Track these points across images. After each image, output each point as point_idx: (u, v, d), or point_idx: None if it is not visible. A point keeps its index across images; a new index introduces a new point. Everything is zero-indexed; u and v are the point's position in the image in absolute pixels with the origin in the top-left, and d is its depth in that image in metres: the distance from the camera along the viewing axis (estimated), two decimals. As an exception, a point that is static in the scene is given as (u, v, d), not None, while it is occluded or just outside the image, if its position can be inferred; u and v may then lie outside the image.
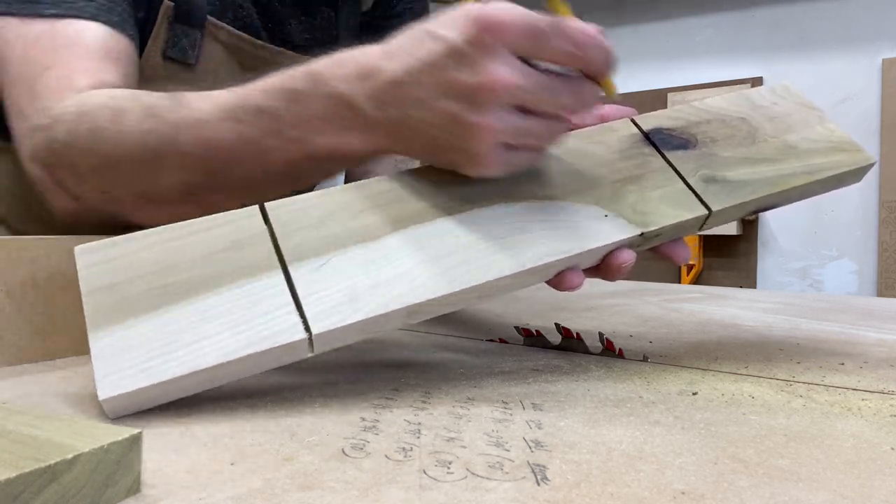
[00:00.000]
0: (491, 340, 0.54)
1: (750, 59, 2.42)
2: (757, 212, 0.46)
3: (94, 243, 0.36)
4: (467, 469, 0.26)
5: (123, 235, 0.37)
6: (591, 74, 0.39)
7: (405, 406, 0.35)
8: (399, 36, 0.40)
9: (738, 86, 2.38)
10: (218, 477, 0.26)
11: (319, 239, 0.37)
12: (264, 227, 0.38)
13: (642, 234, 0.40)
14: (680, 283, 2.41)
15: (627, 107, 0.48)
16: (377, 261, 0.37)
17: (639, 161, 0.44)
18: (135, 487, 0.24)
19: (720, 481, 0.26)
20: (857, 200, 2.24)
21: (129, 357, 0.33)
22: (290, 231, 0.37)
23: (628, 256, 0.41)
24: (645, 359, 0.47)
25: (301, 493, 0.24)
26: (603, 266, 0.41)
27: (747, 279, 2.43)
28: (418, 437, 0.30)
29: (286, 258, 0.36)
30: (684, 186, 0.43)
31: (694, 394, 0.38)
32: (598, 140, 0.45)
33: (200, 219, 0.38)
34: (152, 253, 0.36)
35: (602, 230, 0.40)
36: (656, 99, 2.53)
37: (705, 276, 2.47)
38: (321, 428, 0.32)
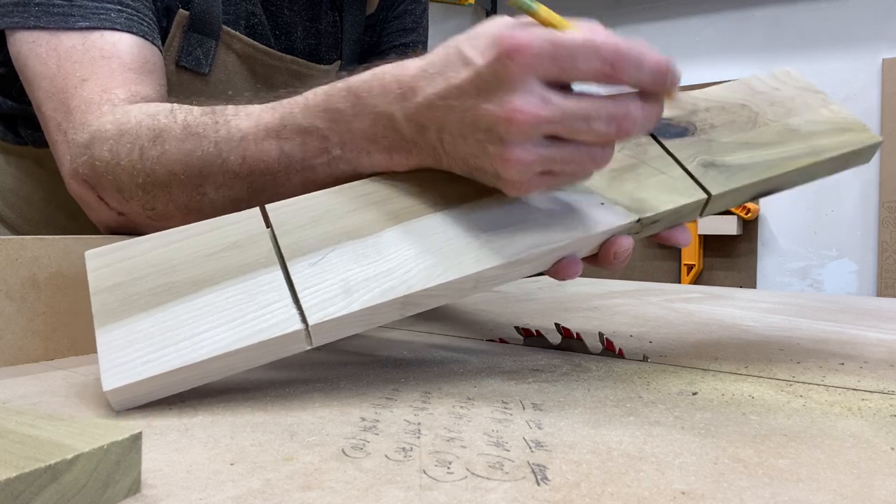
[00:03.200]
0: (491, 340, 0.54)
1: (750, 59, 2.41)
2: (759, 196, 0.46)
3: (103, 248, 0.38)
4: (467, 469, 0.26)
5: (131, 239, 0.39)
6: (645, 90, 0.36)
7: (405, 406, 0.35)
8: (438, 49, 0.39)
9: (738, 86, 2.39)
10: (218, 477, 0.26)
11: (316, 236, 0.38)
12: (264, 227, 0.39)
13: (639, 220, 0.40)
14: (680, 283, 2.41)
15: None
16: (371, 255, 0.38)
17: (635, 150, 0.44)
18: (135, 487, 0.24)
19: (720, 481, 0.26)
20: (857, 200, 2.24)
21: (132, 351, 0.34)
22: (288, 229, 0.39)
23: (626, 243, 0.40)
24: (645, 359, 0.47)
25: (301, 493, 0.24)
26: (601, 254, 0.41)
27: (747, 279, 2.43)
28: (418, 437, 0.30)
29: (284, 255, 0.37)
30: (682, 173, 0.43)
31: (694, 394, 0.38)
32: None
33: (204, 221, 0.39)
34: (156, 254, 0.38)
35: (599, 217, 0.40)
36: (656, 99, 2.52)
37: (705, 276, 2.47)
38: (321, 428, 0.32)
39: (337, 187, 0.41)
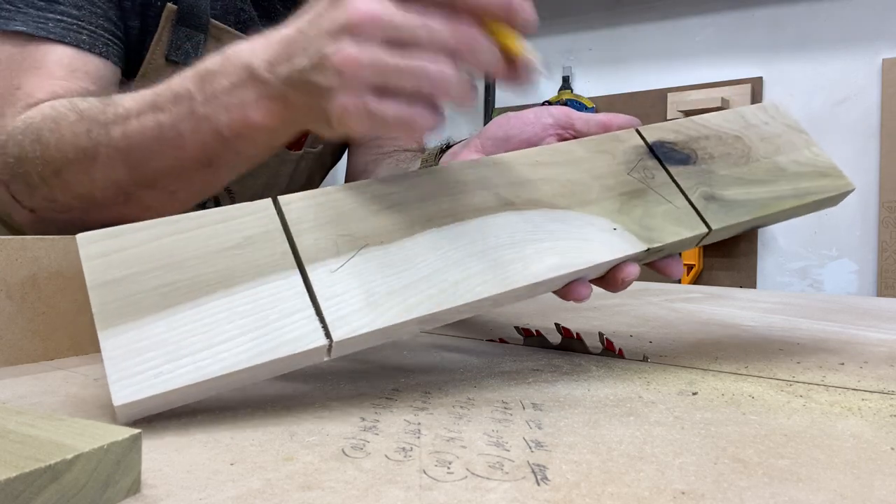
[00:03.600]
0: (491, 340, 0.54)
1: (750, 59, 2.41)
2: (742, 232, 0.47)
3: (96, 232, 0.35)
4: (467, 469, 0.26)
5: (128, 225, 0.35)
6: (484, 17, 0.35)
7: (405, 406, 0.35)
8: None
9: (738, 86, 2.38)
10: (218, 477, 0.26)
11: (336, 238, 0.36)
12: (278, 223, 0.36)
13: (648, 249, 0.41)
14: (680, 283, 2.41)
15: (630, 116, 0.48)
16: (397, 264, 0.36)
17: (644, 174, 0.44)
18: (135, 487, 0.24)
19: (720, 481, 0.26)
20: (857, 200, 2.24)
21: (142, 360, 0.31)
22: (304, 228, 0.36)
23: (633, 270, 0.41)
24: (645, 359, 0.47)
25: (301, 493, 0.24)
26: (608, 278, 0.42)
27: (747, 279, 2.42)
28: (418, 437, 0.30)
29: (303, 258, 0.35)
30: (686, 203, 0.44)
31: (694, 394, 0.38)
32: (604, 149, 0.45)
33: (209, 210, 0.36)
34: (160, 246, 0.35)
35: (611, 244, 0.40)
36: (656, 99, 2.52)
37: (705, 276, 2.47)
38: (321, 428, 0.32)
39: (353, 184, 0.39)
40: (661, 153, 0.46)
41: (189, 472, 0.26)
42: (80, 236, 0.34)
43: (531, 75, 0.38)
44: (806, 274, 2.36)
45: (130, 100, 0.50)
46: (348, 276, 0.35)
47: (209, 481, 0.25)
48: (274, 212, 0.37)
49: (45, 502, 0.21)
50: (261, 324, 0.33)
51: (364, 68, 0.35)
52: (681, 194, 0.44)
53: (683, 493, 0.25)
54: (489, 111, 2.86)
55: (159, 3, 0.65)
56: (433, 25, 0.35)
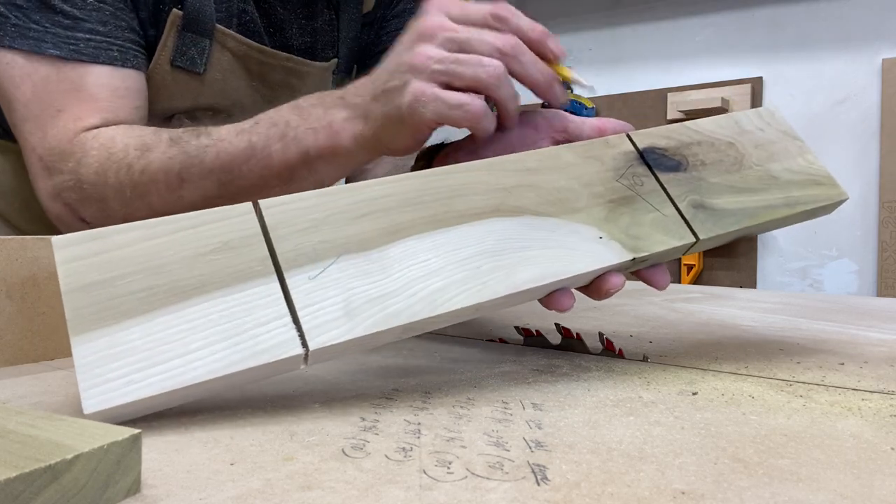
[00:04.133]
0: (491, 340, 0.54)
1: (750, 59, 2.41)
2: (732, 240, 0.46)
3: (73, 235, 0.34)
4: (467, 469, 0.26)
5: (106, 228, 0.34)
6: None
7: (405, 406, 0.35)
8: None
9: (738, 86, 2.38)
10: (218, 477, 0.26)
11: (316, 244, 0.36)
12: (258, 227, 0.36)
13: (633, 259, 0.40)
14: (680, 283, 2.41)
15: (623, 122, 0.48)
16: (375, 272, 0.36)
17: (633, 181, 0.44)
18: (135, 487, 0.24)
19: (720, 481, 0.26)
20: (857, 200, 2.24)
21: (114, 368, 0.31)
22: (284, 234, 0.36)
23: (618, 281, 0.41)
24: (645, 359, 0.47)
25: (301, 493, 0.24)
26: (592, 287, 0.41)
27: (747, 279, 2.43)
28: (418, 437, 0.30)
29: (281, 264, 0.35)
30: (674, 212, 0.43)
31: (694, 394, 0.38)
32: (594, 154, 0.44)
33: (190, 213, 0.36)
34: (137, 250, 0.34)
35: (596, 253, 0.40)
36: (656, 99, 2.52)
37: (705, 276, 2.47)
38: (321, 428, 0.32)
39: (337, 188, 0.39)
40: (651, 159, 0.45)
41: (189, 472, 0.26)
42: (54, 239, 0.33)
43: (563, 95, 0.48)
44: (806, 274, 2.36)
45: (224, 128, 0.55)
46: (327, 284, 0.35)
47: (209, 481, 0.25)
48: (254, 216, 0.36)
49: (45, 502, 0.21)
50: (237, 331, 0.32)
51: (431, 60, 0.44)
52: (669, 202, 0.43)
53: (683, 493, 0.25)
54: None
55: (167, 10, 0.65)
56: (485, 35, 0.45)
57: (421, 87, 0.44)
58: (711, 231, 0.43)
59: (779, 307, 0.76)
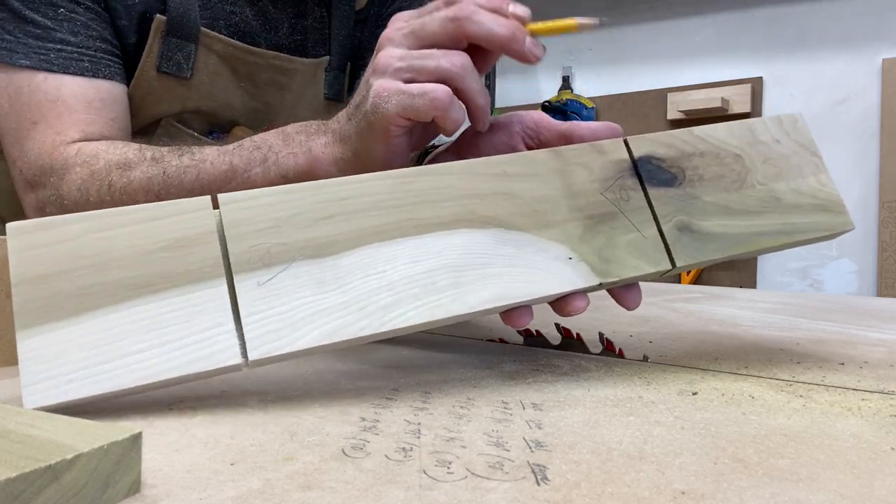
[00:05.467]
0: (491, 340, 0.54)
1: (750, 59, 2.41)
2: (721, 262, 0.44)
3: (26, 222, 0.33)
4: (467, 469, 0.26)
5: (59, 216, 0.33)
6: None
7: (405, 406, 0.35)
8: None
9: (738, 86, 2.38)
10: (218, 477, 0.26)
11: (272, 246, 0.35)
12: (214, 225, 0.35)
13: (600, 284, 0.39)
14: (680, 283, 2.41)
15: (610, 124, 0.46)
16: (328, 282, 0.35)
17: (618, 195, 0.41)
18: (135, 487, 0.24)
19: (720, 481, 0.26)
20: (857, 200, 2.24)
21: (58, 365, 0.31)
22: (241, 233, 0.34)
23: (581, 305, 0.40)
24: (645, 359, 0.47)
25: (301, 493, 0.24)
26: (556, 305, 0.40)
27: (747, 279, 2.43)
28: (418, 437, 0.30)
29: (233, 267, 0.34)
30: (656, 233, 0.41)
31: (694, 394, 0.38)
32: (582, 162, 0.42)
33: (145, 206, 0.34)
34: (88, 242, 0.33)
35: (562, 275, 0.38)
36: (656, 99, 2.52)
37: (705, 276, 2.47)
38: (321, 428, 0.32)
39: (309, 184, 0.37)
40: (644, 171, 0.42)
41: (189, 472, 0.26)
42: (10, 226, 0.33)
43: (537, 49, 0.45)
44: (806, 274, 2.36)
45: (208, 149, 0.55)
46: (276, 291, 0.34)
47: (209, 481, 0.25)
48: (211, 212, 0.35)
49: (45, 502, 0.21)
50: (179, 335, 0.32)
51: (393, 58, 0.43)
52: (653, 222, 0.41)
53: (683, 493, 0.25)
54: (489, 111, 2.85)
55: (149, 16, 0.65)
56: (437, 12, 0.44)
57: (382, 84, 0.43)
58: (690, 259, 0.41)
59: (779, 307, 0.76)
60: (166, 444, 0.29)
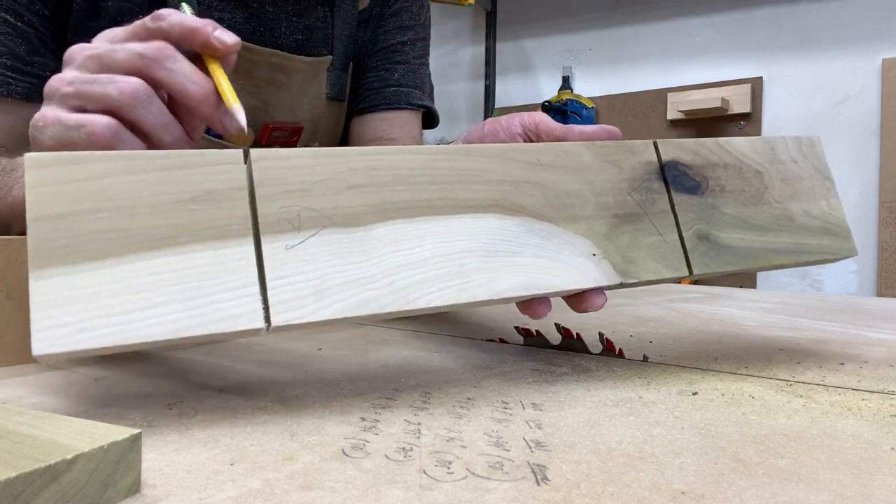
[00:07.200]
0: (491, 340, 0.54)
1: (750, 59, 2.41)
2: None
3: (47, 155, 0.31)
4: (467, 469, 0.26)
5: (84, 153, 0.31)
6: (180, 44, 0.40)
7: (405, 406, 0.35)
8: None
9: (738, 86, 2.38)
10: (218, 477, 0.26)
11: (301, 210, 0.33)
12: (245, 180, 0.33)
13: (622, 283, 0.39)
14: (680, 283, 2.41)
15: (609, 127, 0.45)
16: (357, 252, 0.34)
17: (644, 197, 0.42)
18: (135, 487, 0.24)
19: (720, 481, 0.26)
20: (857, 200, 2.24)
21: (73, 311, 0.29)
22: (271, 193, 0.33)
23: (600, 302, 0.40)
24: (645, 359, 0.47)
25: (301, 493, 0.24)
26: (573, 300, 0.40)
27: (747, 279, 2.42)
28: (418, 437, 0.30)
29: (261, 227, 0.32)
30: (677, 239, 0.42)
31: (694, 394, 0.38)
32: (614, 160, 0.42)
33: (174, 151, 0.33)
34: (110, 184, 0.31)
35: (586, 271, 0.39)
36: (656, 99, 2.52)
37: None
38: (321, 428, 0.32)
39: (339, 150, 0.36)
40: (670, 176, 0.43)
41: (189, 472, 0.26)
42: (28, 157, 0.30)
43: (231, 122, 0.40)
44: (806, 274, 2.36)
45: None
46: (304, 257, 0.33)
47: (209, 481, 0.25)
48: (243, 167, 0.33)
49: (45, 502, 0.21)
50: (201, 293, 0.31)
51: (63, 83, 0.39)
52: (675, 227, 0.42)
53: (683, 493, 0.25)
54: (489, 111, 2.86)
55: (140, 16, 0.65)
56: (128, 45, 0.40)
57: (43, 113, 0.39)
58: (707, 268, 0.42)
59: (779, 307, 0.76)
60: (166, 444, 0.29)
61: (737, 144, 0.46)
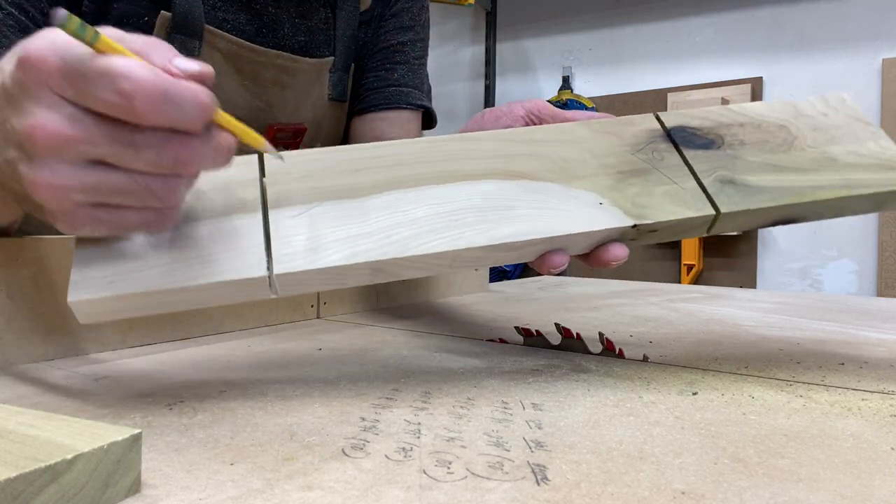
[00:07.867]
0: (491, 340, 0.54)
1: (750, 59, 2.41)
2: (780, 223, 0.43)
3: None
4: (467, 469, 0.26)
5: None
6: (175, 127, 0.30)
7: (405, 406, 0.35)
8: None
9: (737, 86, 2.38)
10: (218, 477, 0.26)
11: (306, 190, 0.38)
12: (256, 174, 0.38)
13: (636, 226, 0.38)
14: (680, 283, 2.41)
15: (608, 114, 0.45)
16: (354, 216, 0.37)
17: (651, 156, 0.42)
18: (135, 487, 0.24)
19: (720, 481, 0.26)
20: (857, 200, 2.24)
21: (103, 268, 0.34)
22: (279, 179, 0.38)
23: (620, 252, 0.39)
24: (645, 359, 0.47)
25: (301, 493, 0.24)
26: (592, 256, 0.40)
27: (747, 279, 2.42)
28: (418, 437, 0.30)
29: (269, 203, 0.37)
30: (696, 185, 0.41)
31: (694, 394, 0.38)
32: (611, 131, 0.43)
33: None
34: None
35: (593, 217, 0.38)
36: (656, 99, 2.52)
37: (705, 276, 2.47)
38: (321, 428, 0.32)
39: (343, 147, 0.41)
40: (678, 137, 0.43)
41: (189, 472, 0.26)
42: None
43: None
44: (806, 274, 2.36)
45: None
46: (304, 222, 0.37)
47: (209, 481, 0.25)
48: (256, 167, 0.39)
49: (45, 502, 0.21)
50: (215, 253, 0.35)
51: (73, 192, 0.30)
52: (692, 177, 0.41)
53: (683, 493, 0.25)
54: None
55: (146, 18, 0.65)
56: (138, 141, 0.30)
57: (67, 219, 0.32)
58: (738, 205, 0.40)
59: (779, 307, 0.76)
60: (166, 444, 0.29)
61: (751, 106, 0.46)
